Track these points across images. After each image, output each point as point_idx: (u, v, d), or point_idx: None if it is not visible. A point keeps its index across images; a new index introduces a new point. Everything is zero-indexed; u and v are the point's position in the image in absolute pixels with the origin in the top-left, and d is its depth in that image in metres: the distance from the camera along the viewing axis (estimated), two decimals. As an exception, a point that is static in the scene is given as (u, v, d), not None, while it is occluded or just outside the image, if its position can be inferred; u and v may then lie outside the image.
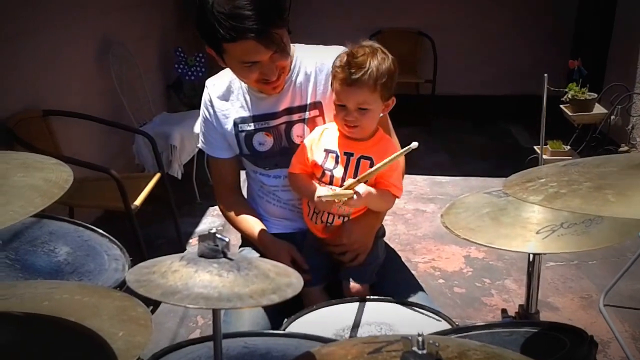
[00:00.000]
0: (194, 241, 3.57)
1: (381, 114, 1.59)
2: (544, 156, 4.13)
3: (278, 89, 1.63)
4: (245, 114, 1.70)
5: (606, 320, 2.72)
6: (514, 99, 5.52)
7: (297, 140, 1.68)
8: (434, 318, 1.49)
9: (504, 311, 1.59)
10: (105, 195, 3.00)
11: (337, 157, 1.59)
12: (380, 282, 1.69)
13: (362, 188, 1.52)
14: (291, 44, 1.62)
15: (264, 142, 1.70)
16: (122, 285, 1.47)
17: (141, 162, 3.76)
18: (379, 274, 1.69)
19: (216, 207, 3.94)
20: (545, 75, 1.44)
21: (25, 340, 0.99)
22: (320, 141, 1.62)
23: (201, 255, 0.79)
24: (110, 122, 3.48)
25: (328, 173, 1.59)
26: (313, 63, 1.67)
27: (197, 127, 3.84)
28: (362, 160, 1.58)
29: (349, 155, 1.59)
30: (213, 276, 0.75)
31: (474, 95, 5.65)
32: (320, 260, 1.67)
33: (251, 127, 1.70)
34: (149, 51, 4.56)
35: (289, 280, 0.81)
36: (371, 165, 1.57)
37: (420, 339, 0.72)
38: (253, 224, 1.76)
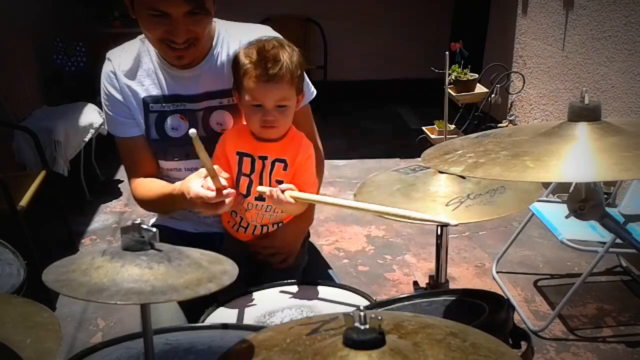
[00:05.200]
0: (87, 241, 3.38)
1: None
2: (432, 136, 4.32)
3: (184, 61, 1.46)
4: (157, 92, 1.53)
5: (500, 286, 2.89)
6: (400, 82, 5.71)
7: (217, 129, 1.56)
8: (351, 295, 1.51)
9: (415, 283, 1.64)
10: (-15, 198, 2.76)
11: (252, 161, 1.50)
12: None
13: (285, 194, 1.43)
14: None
15: (178, 126, 1.55)
16: (20, 291, 1.37)
17: (22, 160, 3.49)
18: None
19: (109, 204, 3.78)
20: (447, 52, 1.49)
21: None
22: (232, 144, 1.51)
23: (126, 249, 0.74)
24: (-13, 119, 3.20)
25: (245, 179, 1.50)
26: (237, 42, 1.52)
27: (84, 120, 3.68)
28: (276, 163, 1.51)
29: (263, 159, 1.50)
30: (143, 269, 0.70)
31: (364, 80, 5.77)
32: (240, 264, 1.61)
33: (165, 107, 1.53)
34: (25, 42, 4.23)
35: (223, 268, 0.78)
36: (284, 169, 1.51)
37: (362, 314, 0.72)
38: (165, 187, 1.56)
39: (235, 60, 1.46)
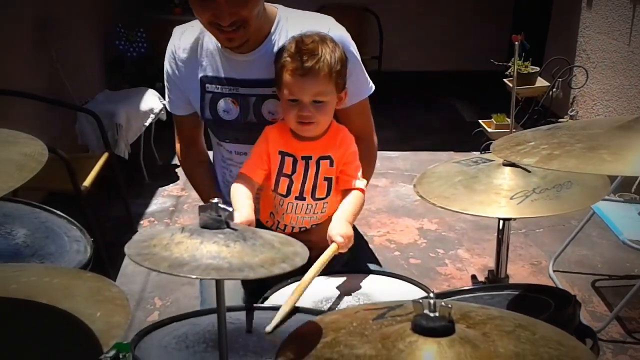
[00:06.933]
0: (145, 223, 3.48)
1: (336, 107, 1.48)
2: (489, 129, 4.24)
3: (234, 43, 1.46)
4: (213, 73, 1.55)
5: (556, 285, 2.83)
6: (457, 74, 5.62)
7: (268, 117, 1.55)
8: (407, 286, 1.51)
9: (473, 277, 1.63)
10: (51, 177, 2.85)
11: (294, 161, 1.48)
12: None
13: (338, 237, 1.39)
14: (273, 5, 1.51)
15: (229, 109, 1.56)
16: (86, 267, 1.42)
17: (85, 142, 3.61)
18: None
19: (166, 188, 3.87)
20: (516, 43, 1.46)
21: (-3, 325, 0.94)
22: (274, 142, 1.49)
23: (204, 226, 0.76)
24: (55, 101, 3.32)
25: (285, 179, 1.49)
26: (296, 30, 1.49)
27: (144, 105, 3.78)
28: (321, 161, 1.49)
29: (307, 159, 1.48)
30: (220, 247, 0.73)
31: (419, 71, 5.71)
32: None
33: (218, 89, 1.55)
34: (89, 27, 4.36)
35: (294, 249, 0.79)
36: (331, 165, 1.49)
37: (431, 301, 0.72)
38: (206, 189, 1.66)
39: (276, 54, 1.46)
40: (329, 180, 1.52)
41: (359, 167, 1.55)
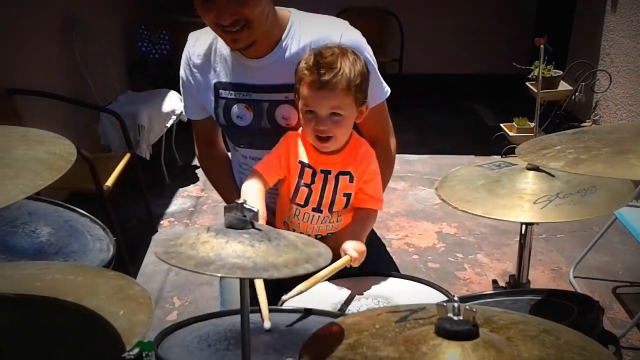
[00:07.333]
0: (165, 223, 3.51)
1: (356, 121, 1.46)
2: (511, 133, 4.21)
3: (239, 44, 1.44)
4: (227, 79, 1.54)
5: (577, 292, 2.80)
6: (478, 77, 5.59)
7: (282, 123, 1.54)
8: (427, 289, 1.50)
9: (495, 282, 1.62)
10: (74, 176, 2.87)
11: (313, 173, 1.48)
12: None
13: (352, 251, 1.39)
14: (286, 9, 1.50)
15: (243, 115, 1.54)
16: (109, 265, 1.43)
17: (107, 142, 3.65)
18: None
19: (186, 188, 3.90)
20: (542, 47, 1.45)
21: (22, 322, 0.96)
22: (295, 151, 1.48)
23: (229, 226, 0.77)
24: (79, 101, 3.37)
25: (305, 189, 1.48)
26: (308, 35, 1.48)
27: (166, 106, 3.82)
28: (340, 176, 1.48)
29: (326, 173, 1.47)
30: (245, 246, 0.73)
31: (439, 74, 5.68)
32: None
33: (232, 95, 1.54)
34: (112, 28, 4.42)
35: (317, 250, 0.80)
36: (351, 181, 1.48)
37: (456, 305, 0.72)
38: (227, 189, 1.69)
39: (297, 66, 1.44)
40: (348, 195, 1.51)
41: (378, 184, 1.54)
